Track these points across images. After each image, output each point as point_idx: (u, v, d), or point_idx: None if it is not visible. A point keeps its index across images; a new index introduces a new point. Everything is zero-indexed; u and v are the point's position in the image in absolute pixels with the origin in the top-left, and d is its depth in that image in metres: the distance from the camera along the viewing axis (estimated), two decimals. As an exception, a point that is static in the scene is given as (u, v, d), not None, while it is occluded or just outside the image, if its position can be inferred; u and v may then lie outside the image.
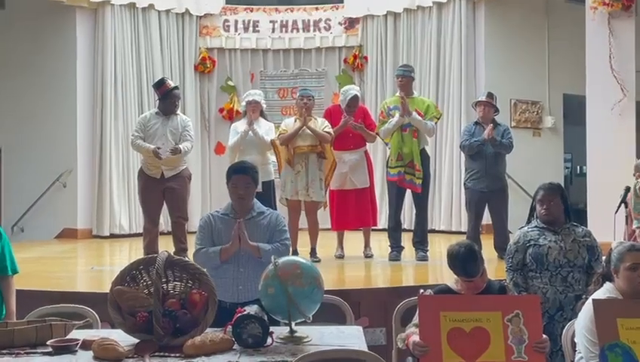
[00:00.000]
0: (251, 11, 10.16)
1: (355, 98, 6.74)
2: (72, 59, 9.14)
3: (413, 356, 3.16)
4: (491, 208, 6.66)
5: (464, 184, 6.75)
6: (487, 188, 6.51)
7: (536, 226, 4.16)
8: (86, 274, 6.38)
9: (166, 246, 6.57)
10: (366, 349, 2.91)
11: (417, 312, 3.10)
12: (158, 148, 6.26)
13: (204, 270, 3.17)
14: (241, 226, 3.73)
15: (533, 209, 4.24)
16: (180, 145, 6.32)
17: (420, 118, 6.45)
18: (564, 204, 4.13)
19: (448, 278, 3.60)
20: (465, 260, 3.33)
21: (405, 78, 6.59)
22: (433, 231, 8.80)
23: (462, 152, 6.99)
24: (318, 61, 10.09)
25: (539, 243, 4.07)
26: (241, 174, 3.90)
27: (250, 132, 6.56)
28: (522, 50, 9.42)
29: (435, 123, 6.71)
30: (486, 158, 6.50)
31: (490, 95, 6.71)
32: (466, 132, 6.70)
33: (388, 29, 9.85)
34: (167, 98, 6.44)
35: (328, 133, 6.46)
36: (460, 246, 3.38)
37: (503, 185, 6.64)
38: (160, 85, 6.55)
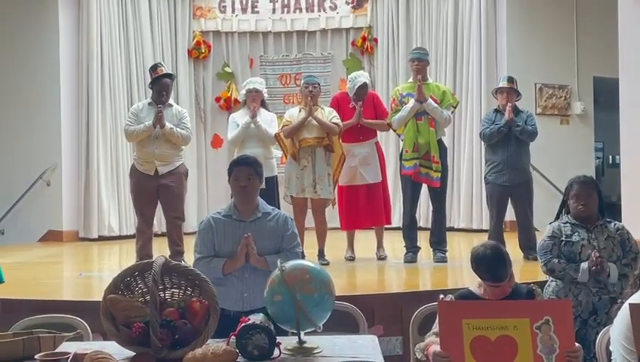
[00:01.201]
0: (250, -10, 10.16)
1: (363, 86, 6.74)
2: (54, 44, 9.15)
3: (433, 367, 3.17)
4: (515, 203, 6.67)
5: (484, 178, 6.75)
6: (509, 182, 6.51)
7: (567, 222, 4.19)
8: (73, 281, 6.41)
9: (160, 249, 6.61)
10: (381, 360, 2.93)
11: (437, 319, 3.11)
12: (160, 108, 6.28)
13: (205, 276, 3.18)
14: (249, 241, 3.76)
15: (563, 204, 4.26)
16: (175, 128, 6.36)
17: (436, 105, 6.46)
18: (599, 199, 4.15)
19: (470, 282, 3.61)
20: (492, 263, 3.33)
21: (421, 62, 6.61)
22: (452, 229, 8.80)
23: (482, 142, 6.98)
24: (323, 44, 10.08)
25: (571, 241, 4.10)
26: (243, 165, 3.94)
27: (252, 124, 6.58)
28: (548, 29, 9.40)
29: (452, 112, 6.72)
30: (508, 149, 6.50)
31: (510, 79, 6.71)
32: (486, 120, 6.70)
33: (400, 8, 9.83)
34: (155, 85, 6.52)
35: (336, 124, 6.47)
36: (486, 248, 3.38)
37: (527, 178, 6.64)
38: (154, 70, 6.63)
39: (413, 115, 6.46)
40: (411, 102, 6.45)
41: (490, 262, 3.33)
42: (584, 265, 4.00)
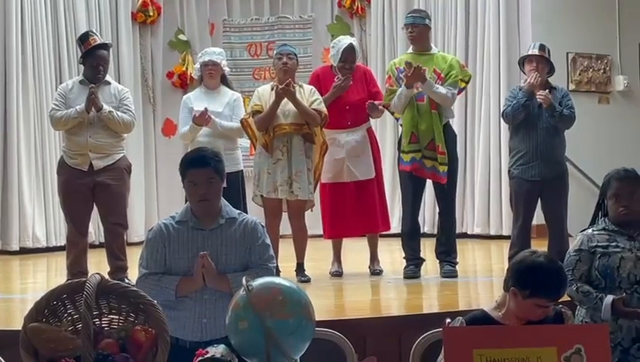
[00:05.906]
0: (208, -63, 10.17)
1: (350, 49, 6.73)
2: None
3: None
4: (546, 203, 6.67)
5: (508, 171, 6.76)
6: (540, 176, 6.52)
7: (604, 228, 4.21)
8: (-13, 306, 6.39)
9: (97, 264, 6.62)
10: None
11: (443, 350, 3.13)
12: (92, 88, 6.28)
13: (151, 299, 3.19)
14: (206, 262, 3.78)
15: (600, 206, 4.29)
16: (115, 111, 6.37)
17: (433, 84, 6.39)
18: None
19: (486, 301, 3.63)
20: (555, 276, 3.35)
21: (417, 28, 6.60)
22: (464, 235, 8.87)
23: (506, 124, 7.00)
24: (302, 5, 10.13)
25: (608, 252, 4.12)
26: (200, 168, 3.93)
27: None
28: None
29: (463, 87, 6.74)
30: (538, 135, 6.51)
31: (542, 47, 6.73)
32: (511, 97, 6.68)
33: (397, -41, 9.88)
34: (88, 59, 6.54)
35: (318, 111, 6.44)
36: (540, 256, 3.42)
37: (561, 172, 6.65)
38: (83, 41, 6.63)
39: (410, 98, 6.45)
40: (403, 87, 6.44)
41: (555, 276, 3.35)
42: (608, 299, 4.01)
